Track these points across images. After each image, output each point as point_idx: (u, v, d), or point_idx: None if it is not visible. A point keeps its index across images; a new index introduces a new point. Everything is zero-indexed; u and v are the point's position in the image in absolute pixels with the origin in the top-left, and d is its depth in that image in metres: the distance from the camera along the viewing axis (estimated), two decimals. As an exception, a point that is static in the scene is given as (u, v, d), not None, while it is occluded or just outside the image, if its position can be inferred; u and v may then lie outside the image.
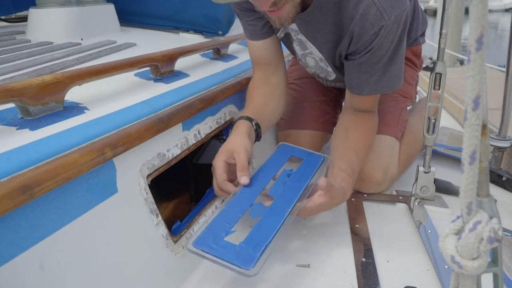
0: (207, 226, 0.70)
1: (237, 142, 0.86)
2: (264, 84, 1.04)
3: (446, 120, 1.83)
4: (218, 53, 1.22)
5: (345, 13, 0.84)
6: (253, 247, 0.66)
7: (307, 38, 0.96)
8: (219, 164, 0.83)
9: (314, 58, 1.03)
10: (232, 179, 0.84)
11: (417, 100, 1.91)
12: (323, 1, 0.85)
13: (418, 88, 1.99)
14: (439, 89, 0.91)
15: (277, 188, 0.82)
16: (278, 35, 1.03)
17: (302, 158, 0.94)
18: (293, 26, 0.95)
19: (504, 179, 1.08)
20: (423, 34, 1.24)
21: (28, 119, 0.61)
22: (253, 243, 0.67)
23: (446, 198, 1.00)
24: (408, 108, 1.22)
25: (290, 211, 0.76)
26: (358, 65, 0.89)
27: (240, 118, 0.93)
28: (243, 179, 0.81)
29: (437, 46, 0.92)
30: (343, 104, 1.29)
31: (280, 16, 0.80)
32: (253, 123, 0.93)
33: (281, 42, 1.06)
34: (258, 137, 0.95)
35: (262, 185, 0.82)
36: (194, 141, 0.84)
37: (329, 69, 1.04)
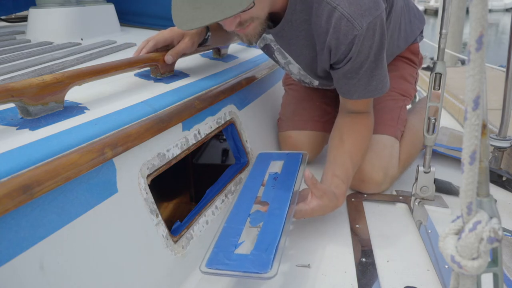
0: (214, 246, 0.71)
1: (192, 30, 0.96)
2: None
3: (446, 120, 1.83)
4: (218, 53, 1.22)
5: (317, 28, 0.87)
6: (265, 251, 0.67)
7: (284, 50, 1.00)
8: (164, 34, 0.93)
9: (295, 66, 1.06)
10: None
11: (417, 99, 1.91)
12: (293, 18, 0.89)
13: (418, 88, 1.99)
14: (439, 89, 0.91)
15: (268, 193, 0.84)
16: (258, 44, 1.06)
17: (282, 160, 0.96)
18: (271, 37, 0.98)
19: (504, 179, 1.08)
20: (420, 32, 1.24)
21: (28, 119, 0.61)
22: (263, 247, 0.68)
23: (446, 198, 1.00)
24: (407, 106, 1.22)
25: (288, 210, 0.77)
26: (344, 73, 0.91)
27: None
28: (168, 58, 0.90)
29: (437, 46, 0.92)
30: None
31: (247, 34, 0.85)
32: (207, 27, 1.01)
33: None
34: (205, 40, 1.04)
35: (253, 194, 0.84)
36: (194, 141, 0.84)
37: (309, 77, 1.07)
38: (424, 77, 3.29)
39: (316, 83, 1.11)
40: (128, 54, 1.17)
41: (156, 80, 0.90)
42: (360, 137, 0.98)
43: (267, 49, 1.06)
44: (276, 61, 1.10)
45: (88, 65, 0.75)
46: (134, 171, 0.67)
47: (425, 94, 2.20)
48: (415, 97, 1.90)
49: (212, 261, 0.68)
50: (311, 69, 1.01)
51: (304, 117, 1.21)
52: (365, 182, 1.03)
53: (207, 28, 1.03)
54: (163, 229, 0.70)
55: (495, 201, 0.35)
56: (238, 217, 0.78)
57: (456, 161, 1.21)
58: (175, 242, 0.73)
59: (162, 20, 1.68)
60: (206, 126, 0.90)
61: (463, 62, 5.78)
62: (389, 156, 1.05)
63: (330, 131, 1.23)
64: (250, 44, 0.90)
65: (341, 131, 0.99)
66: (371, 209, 0.98)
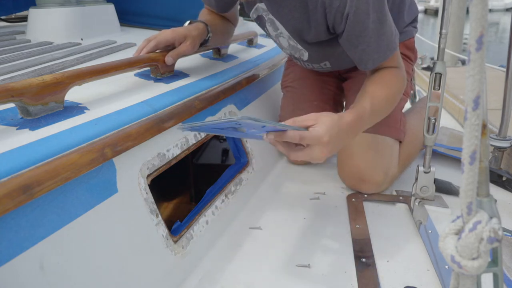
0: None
1: (194, 33, 0.97)
2: (216, 14, 1.15)
3: (446, 120, 1.83)
4: (218, 53, 1.22)
5: None
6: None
7: (274, 17, 0.98)
8: (166, 34, 0.92)
9: (285, 38, 1.05)
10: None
11: (417, 99, 1.91)
12: None
13: (418, 88, 1.99)
14: (439, 89, 0.91)
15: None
16: (251, 15, 1.06)
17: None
18: (263, 5, 0.98)
19: (504, 179, 1.08)
20: (414, 22, 1.20)
21: (28, 119, 0.61)
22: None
23: (446, 198, 1.00)
24: (407, 105, 1.21)
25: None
26: (348, 40, 0.87)
27: (196, 21, 1.02)
28: (168, 60, 0.91)
29: (437, 46, 0.92)
30: (343, 103, 1.29)
31: None
32: (208, 28, 1.02)
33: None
34: (206, 41, 1.05)
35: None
36: (194, 141, 0.84)
37: (299, 46, 1.04)
38: (424, 77, 3.29)
39: (305, 56, 1.09)
40: (128, 54, 1.17)
41: (156, 80, 0.90)
42: (385, 82, 0.88)
43: (259, 20, 1.06)
44: (268, 34, 1.10)
45: (88, 65, 0.75)
46: (134, 171, 0.67)
47: (425, 94, 2.20)
48: (415, 96, 1.90)
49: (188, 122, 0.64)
50: (300, 35, 0.98)
51: None
52: (366, 182, 1.03)
53: (208, 30, 1.03)
54: (163, 229, 0.70)
55: (495, 201, 0.35)
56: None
57: (456, 161, 1.21)
58: (175, 242, 0.73)
59: (162, 20, 1.69)
60: (206, 126, 0.90)
61: (463, 62, 5.78)
62: (390, 157, 1.05)
63: None
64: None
65: (364, 84, 0.91)
66: (371, 209, 0.98)
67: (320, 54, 0.99)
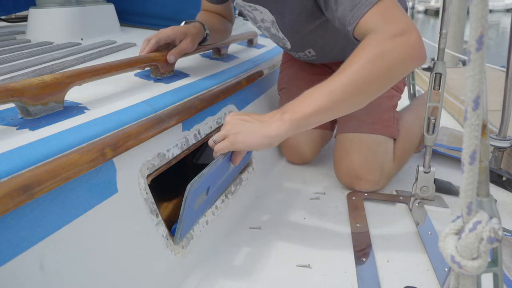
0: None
1: (193, 30, 0.99)
2: (212, 13, 1.21)
3: (446, 120, 1.83)
4: (218, 53, 1.22)
5: None
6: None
7: (255, 3, 1.01)
8: (166, 31, 0.93)
9: (267, 29, 1.08)
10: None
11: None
12: None
13: (418, 88, 1.98)
14: (439, 89, 0.91)
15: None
16: (235, 4, 1.08)
17: None
18: None
19: (504, 179, 1.08)
20: None
21: (28, 119, 0.61)
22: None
23: (446, 198, 1.00)
24: (405, 103, 1.21)
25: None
26: (325, 4, 0.84)
27: (192, 21, 1.04)
28: (171, 58, 0.91)
29: (437, 46, 0.92)
30: None
31: None
32: (205, 27, 1.05)
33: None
34: (204, 39, 1.07)
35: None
36: (194, 141, 0.84)
37: (280, 34, 1.06)
38: (424, 77, 3.29)
39: (288, 45, 1.11)
40: (128, 54, 1.17)
41: (156, 80, 0.90)
42: (350, 60, 0.75)
43: (245, 16, 1.11)
44: (253, 21, 1.14)
45: (88, 65, 0.75)
46: (134, 171, 0.67)
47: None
48: (415, 96, 1.90)
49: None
50: (282, 18, 0.99)
51: None
52: (362, 180, 1.03)
53: (204, 28, 1.05)
54: (163, 229, 0.70)
55: (495, 201, 0.35)
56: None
57: (456, 161, 1.21)
58: (175, 242, 0.73)
59: (162, 20, 1.68)
60: (206, 126, 0.90)
61: (464, 63, 5.78)
62: (384, 154, 1.05)
63: (327, 127, 1.23)
64: None
65: None
66: (371, 209, 0.98)
67: (301, 41, 1.00)
